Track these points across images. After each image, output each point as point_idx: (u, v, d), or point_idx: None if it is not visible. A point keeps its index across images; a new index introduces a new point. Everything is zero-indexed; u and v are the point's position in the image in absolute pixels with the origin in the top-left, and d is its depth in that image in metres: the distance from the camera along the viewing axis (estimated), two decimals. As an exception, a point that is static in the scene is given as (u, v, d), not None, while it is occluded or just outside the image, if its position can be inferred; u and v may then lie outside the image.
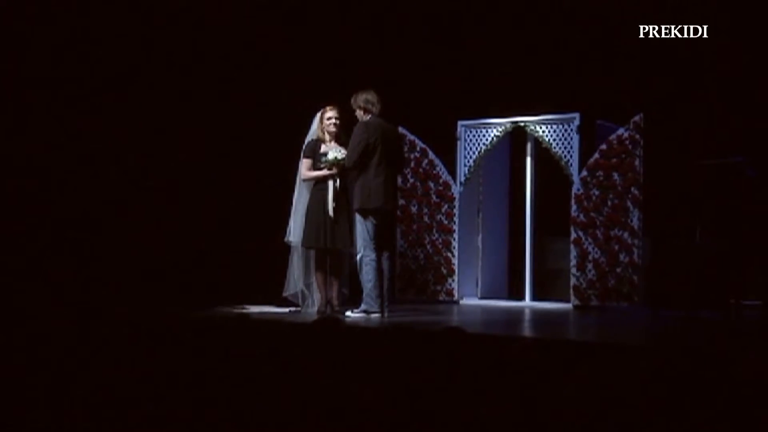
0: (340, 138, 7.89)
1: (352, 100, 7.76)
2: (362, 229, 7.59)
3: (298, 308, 7.99)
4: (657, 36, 9.06)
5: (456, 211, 9.58)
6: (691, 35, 8.90)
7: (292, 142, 8.16)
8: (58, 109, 9.05)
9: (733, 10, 8.71)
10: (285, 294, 8.03)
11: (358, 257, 7.60)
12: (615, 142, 8.78)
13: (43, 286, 8.50)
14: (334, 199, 7.74)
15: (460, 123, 9.66)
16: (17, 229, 8.75)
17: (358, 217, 7.63)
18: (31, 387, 5.43)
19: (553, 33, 9.67)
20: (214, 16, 9.77)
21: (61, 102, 9.06)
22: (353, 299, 7.93)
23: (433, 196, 9.67)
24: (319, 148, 7.85)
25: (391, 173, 7.83)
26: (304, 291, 8.06)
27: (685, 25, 8.75)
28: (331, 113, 7.88)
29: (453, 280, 9.57)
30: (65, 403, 5.12)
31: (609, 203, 8.78)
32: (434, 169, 9.66)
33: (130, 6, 9.35)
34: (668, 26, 8.92)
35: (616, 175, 8.75)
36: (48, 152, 8.99)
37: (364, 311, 7.54)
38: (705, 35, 8.84)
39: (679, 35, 8.95)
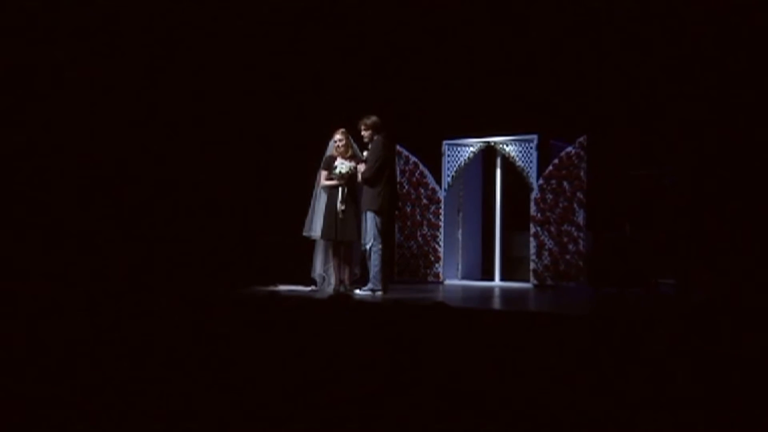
0: (354, 154, 7.79)
1: (361, 123, 7.58)
2: (372, 225, 7.45)
3: (318, 287, 7.92)
4: (597, 76, 9.13)
5: (441, 211, 9.59)
6: (625, 73, 8.96)
7: (314, 158, 8.12)
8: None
9: (660, 49, 8.75)
10: (312, 275, 7.96)
11: (368, 247, 7.49)
12: (564, 157, 8.81)
13: (106, 265, 8.49)
14: (343, 202, 7.61)
15: (444, 142, 9.67)
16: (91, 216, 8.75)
17: (370, 215, 7.47)
18: (93, 348, 5.32)
19: (516, 74, 9.64)
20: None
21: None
22: (362, 280, 7.87)
23: (423, 199, 9.68)
24: (333, 162, 7.75)
25: (394, 181, 7.81)
26: (323, 274, 7.95)
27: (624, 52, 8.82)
28: (336, 137, 7.70)
29: (439, 265, 9.57)
30: (125, 362, 5.02)
31: (560, 205, 8.79)
32: (424, 178, 9.68)
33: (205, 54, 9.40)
34: (607, 60, 9.00)
35: (565, 183, 8.77)
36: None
37: (371, 290, 7.47)
38: (634, 73, 8.89)
39: (614, 73, 9.03)
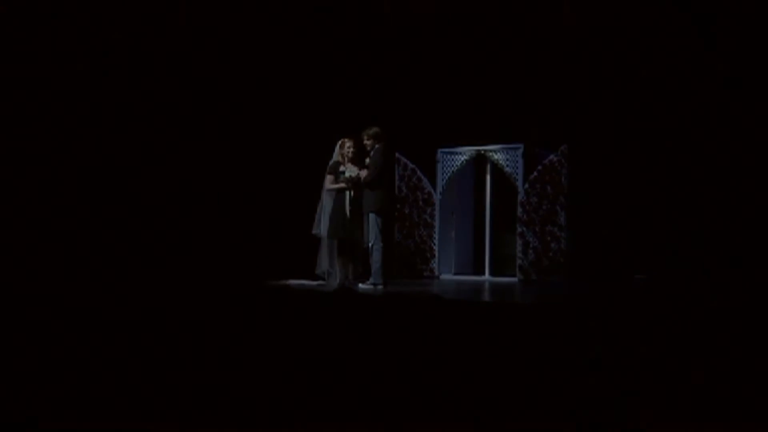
0: (355, 160, 7.78)
1: (364, 133, 7.61)
2: (374, 224, 7.50)
3: (325, 282, 7.88)
4: (577, 90, 9.19)
5: (436, 212, 9.62)
6: (603, 88, 9.05)
7: (318, 164, 8.10)
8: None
9: (634, 65, 8.84)
10: (317, 271, 7.93)
11: (370, 245, 7.53)
12: (548, 164, 8.88)
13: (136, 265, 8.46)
14: (350, 204, 7.63)
15: (439, 150, 9.71)
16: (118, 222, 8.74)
17: (372, 216, 7.50)
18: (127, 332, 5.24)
19: (504, 88, 9.68)
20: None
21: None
22: (365, 275, 7.83)
23: (420, 202, 9.71)
24: (339, 167, 7.73)
25: (393, 185, 7.82)
26: (329, 269, 7.87)
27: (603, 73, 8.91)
28: (350, 143, 7.73)
29: (434, 262, 9.61)
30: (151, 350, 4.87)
31: (544, 207, 8.86)
32: (421, 182, 9.70)
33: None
34: (587, 78, 9.09)
35: (548, 188, 8.84)
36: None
37: (373, 284, 7.52)
38: (611, 88, 8.98)
39: (593, 88, 9.13)
